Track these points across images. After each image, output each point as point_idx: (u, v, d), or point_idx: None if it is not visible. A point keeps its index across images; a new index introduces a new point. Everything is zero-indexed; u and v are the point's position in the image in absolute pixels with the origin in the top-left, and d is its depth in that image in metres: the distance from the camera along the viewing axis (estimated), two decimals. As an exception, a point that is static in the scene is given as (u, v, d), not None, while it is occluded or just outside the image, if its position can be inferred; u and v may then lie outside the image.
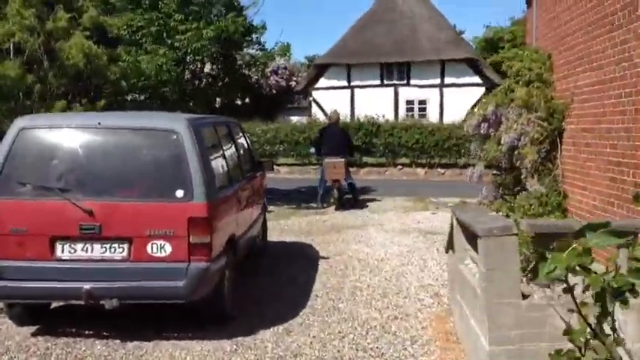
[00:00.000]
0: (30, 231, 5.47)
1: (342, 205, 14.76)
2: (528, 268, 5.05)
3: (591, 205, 7.20)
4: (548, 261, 1.71)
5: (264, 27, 15.73)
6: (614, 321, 1.74)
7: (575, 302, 1.81)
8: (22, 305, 5.98)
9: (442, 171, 23.99)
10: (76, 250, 5.49)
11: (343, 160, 14.45)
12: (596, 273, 1.70)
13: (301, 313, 6.59)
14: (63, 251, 5.49)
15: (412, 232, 11.33)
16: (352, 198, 15.30)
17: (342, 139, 14.89)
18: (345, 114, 28.03)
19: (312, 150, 16.36)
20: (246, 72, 16.93)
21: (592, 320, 1.82)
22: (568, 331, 1.81)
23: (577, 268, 1.71)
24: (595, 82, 6.99)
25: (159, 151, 5.87)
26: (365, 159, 25.11)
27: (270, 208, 11.34)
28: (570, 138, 7.98)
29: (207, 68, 16.26)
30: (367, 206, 15.39)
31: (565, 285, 1.76)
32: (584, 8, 7.34)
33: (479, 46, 43.47)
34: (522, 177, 8.70)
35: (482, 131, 9.25)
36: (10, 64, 9.29)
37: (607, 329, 1.77)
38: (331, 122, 15.40)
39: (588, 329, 1.79)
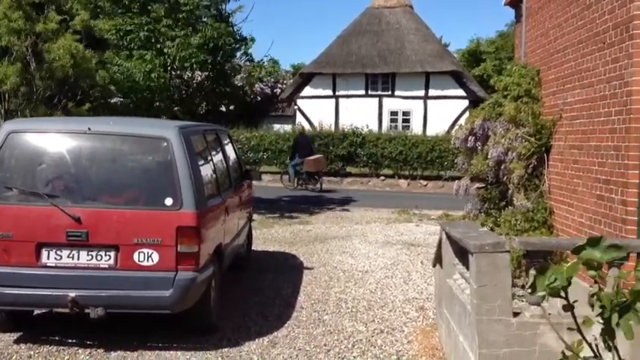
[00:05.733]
0: (15, 237, 5.37)
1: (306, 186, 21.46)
2: (524, 284, 5.04)
3: (578, 223, 7.22)
4: (549, 272, 1.70)
5: (252, 39, 15.72)
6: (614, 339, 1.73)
7: (576, 321, 1.79)
8: (4, 312, 5.86)
9: (424, 183, 24.10)
10: (61, 257, 5.39)
11: (322, 155, 22.18)
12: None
13: (286, 325, 6.54)
14: (49, 258, 5.39)
15: (396, 244, 11.33)
16: (319, 184, 21.37)
17: (310, 144, 22.11)
18: (329, 123, 28.12)
19: (294, 162, 21.91)
20: (234, 81, 16.83)
21: (590, 339, 1.81)
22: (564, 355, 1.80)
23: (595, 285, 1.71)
24: (585, 100, 7.02)
25: (148, 159, 5.81)
26: (348, 169, 25.15)
27: (254, 216, 11.28)
28: (558, 154, 8.01)
29: (193, 74, 16.15)
30: (335, 191, 20.93)
31: (565, 302, 1.75)
32: (574, 25, 7.38)
33: (462, 59, 43.83)
34: (509, 192, 8.73)
35: (469, 145, 9.28)
36: (7, 67, 9.15)
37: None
38: (301, 132, 22.64)
39: (584, 350, 1.78)
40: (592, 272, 1.69)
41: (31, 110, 9.35)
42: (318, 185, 21.41)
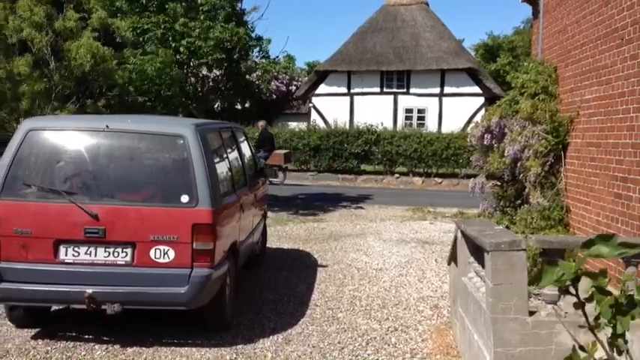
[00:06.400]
0: (34, 233, 5.42)
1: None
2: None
3: (594, 221, 7.17)
4: (557, 268, 1.68)
5: (269, 40, 15.84)
6: (626, 342, 1.70)
7: (587, 318, 1.77)
8: (22, 308, 5.93)
9: (439, 180, 24.02)
10: (79, 254, 5.44)
11: (290, 150, 23.38)
12: (610, 294, 1.67)
13: (300, 323, 6.55)
14: (67, 254, 5.44)
15: (410, 242, 11.31)
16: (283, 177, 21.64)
17: (273, 139, 21.86)
18: (344, 121, 28.08)
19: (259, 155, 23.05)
20: (250, 77, 16.87)
21: (602, 340, 1.79)
22: (573, 354, 1.77)
23: (593, 289, 1.68)
24: (602, 97, 6.96)
25: (165, 156, 5.84)
26: (363, 167, 25.12)
27: (268, 214, 11.32)
28: (575, 152, 7.95)
29: (210, 72, 16.20)
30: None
31: (576, 299, 1.72)
32: (592, 22, 7.32)
33: (478, 54, 43.57)
34: (525, 190, 8.67)
35: (485, 142, 9.22)
36: (21, 61, 9.23)
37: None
38: (265, 127, 21.72)
39: (599, 349, 1.76)
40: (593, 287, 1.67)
41: (49, 108, 9.42)
42: (280, 178, 21.66)
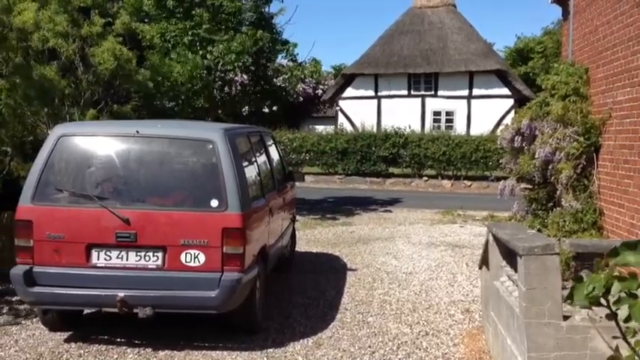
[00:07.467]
0: (66, 238, 5.49)
1: None
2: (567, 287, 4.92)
3: (629, 224, 7.04)
4: (586, 282, 1.64)
5: (295, 45, 15.85)
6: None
7: (620, 329, 1.73)
8: (55, 311, 6.00)
9: (468, 183, 23.86)
10: (111, 258, 5.50)
11: None
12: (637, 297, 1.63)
13: (330, 326, 6.53)
14: (98, 258, 5.51)
15: (440, 246, 11.24)
16: None
17: None
18: (371, 124, 28.01)
19: None
20: (277, 81, 16.91)
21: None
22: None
23: (622, 295, 1.64)
24: (635, 98, 6.84)
25: (194, 161, 5.89)
26: (391, 170, 25.05)
27: (297, 217, 11.32)
28: (608, 154, 7.83)
29: (238, 77, 16.31)
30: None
31: (608, 310, 1.68)
32: (624, 23, 7.21)
33: (509, 57, 43.14)
34: (557, 192, 8.55)
35: (515, 144, 9.12)
36: (49, 67, 9.36)
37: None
38: None
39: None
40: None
41: (79, 113, 9.53)
42: None
